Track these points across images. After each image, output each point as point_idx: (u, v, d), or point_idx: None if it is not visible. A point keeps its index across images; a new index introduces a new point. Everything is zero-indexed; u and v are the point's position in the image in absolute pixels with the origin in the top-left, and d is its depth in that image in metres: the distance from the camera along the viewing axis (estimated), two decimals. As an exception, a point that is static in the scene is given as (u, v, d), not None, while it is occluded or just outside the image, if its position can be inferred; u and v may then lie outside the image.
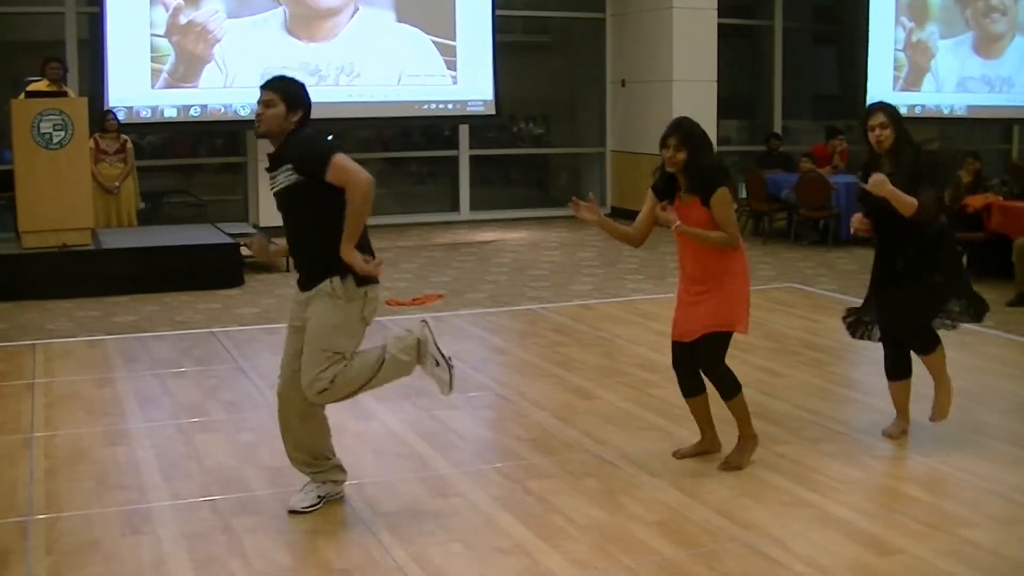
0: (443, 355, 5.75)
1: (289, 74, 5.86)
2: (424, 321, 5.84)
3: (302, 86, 5.75)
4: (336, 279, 5.54)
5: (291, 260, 5.80)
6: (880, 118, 6.66)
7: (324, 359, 5.58)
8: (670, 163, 6.24)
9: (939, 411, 7.02)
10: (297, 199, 5.57)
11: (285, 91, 5.67)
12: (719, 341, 6.35)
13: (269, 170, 5.67)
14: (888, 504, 5.99)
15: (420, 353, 5.76)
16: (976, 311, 6.95)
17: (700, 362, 6.41)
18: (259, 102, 5.66)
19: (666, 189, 6.41)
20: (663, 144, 6.24)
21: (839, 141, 17.24)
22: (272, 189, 5.66)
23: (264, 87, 5.68)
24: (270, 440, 7.01)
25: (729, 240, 6.23)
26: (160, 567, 5.23)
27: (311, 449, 5.87)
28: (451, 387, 5.78)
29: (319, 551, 5.41)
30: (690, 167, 6.23)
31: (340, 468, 5.99)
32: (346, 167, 5.46)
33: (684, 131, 6.25)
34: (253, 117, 5.77)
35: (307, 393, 5.64)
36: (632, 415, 7.54)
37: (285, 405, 5.83)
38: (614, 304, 11.48)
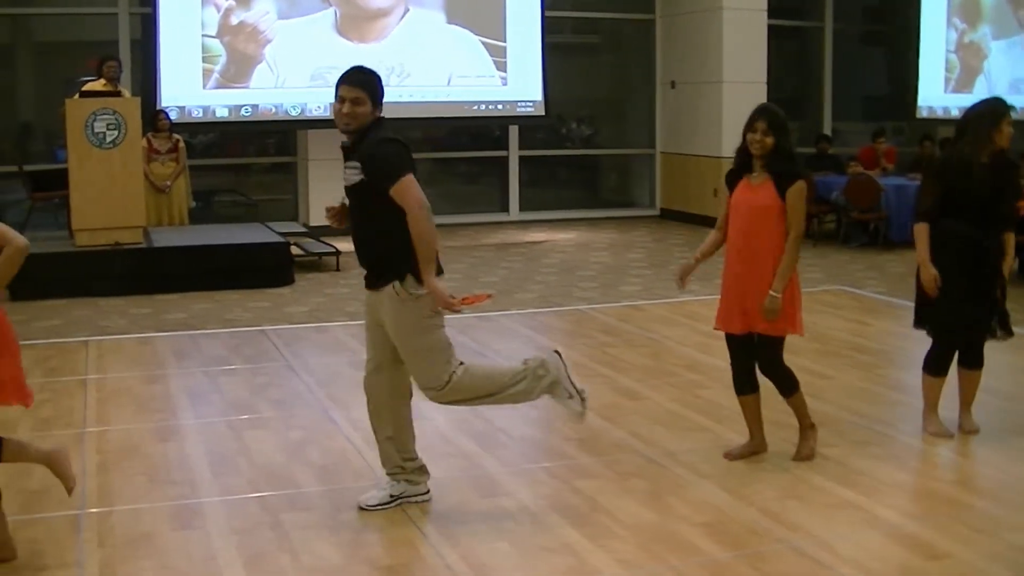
0: (576, 387, 5.82)
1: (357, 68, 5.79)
2: (556, 351, 5.88)
3: (380, 79, 5.73)
4: (398, 283, 5.55)
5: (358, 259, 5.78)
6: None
7: (424, 360, 5.65)
8: (758, 146, 6.23)
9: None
10: (364, 196, 5.57)
11: (372, 89, 5.62)
12: (779, 341, 6.42)
13: (344, 159, 5.65)
14: (935, 507, 5.96)
15: (553, 382, 5.80)
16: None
17: (761, 362, 6.46)
18: (343, 99, 5.57)
19: (738, 172, 6.43)
20: (750, 127, 6.24)
21: (881, 142, 17.16)
22: (344, 182, 5.65)
23: (350, 83, 5.59)
24: (319, 437, 7.07)
25: (797, 249, 6.31)
26: (210, 562, 5.28)
27: (395, 438, 5.89)
28: (583, 419, 5.89)
29: (367, 548, 5.45)
30: (775, 153, 6.27)
31: (422, 470, 6.00)
32: (406, 192, 5.44)
33: (771, 115, 6.29)
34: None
35: (430, 396, 5.73)
36: (679, 416, 7.54)
37: (368, 394, 5.88)
38: (662, 305, 11.47)
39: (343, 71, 5.68)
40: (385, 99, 5.70)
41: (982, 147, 6.69)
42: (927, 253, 6.72)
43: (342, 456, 6.74)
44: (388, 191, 5.43)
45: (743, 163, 6.38)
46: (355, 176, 5.54)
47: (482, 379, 5.74)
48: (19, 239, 5.07)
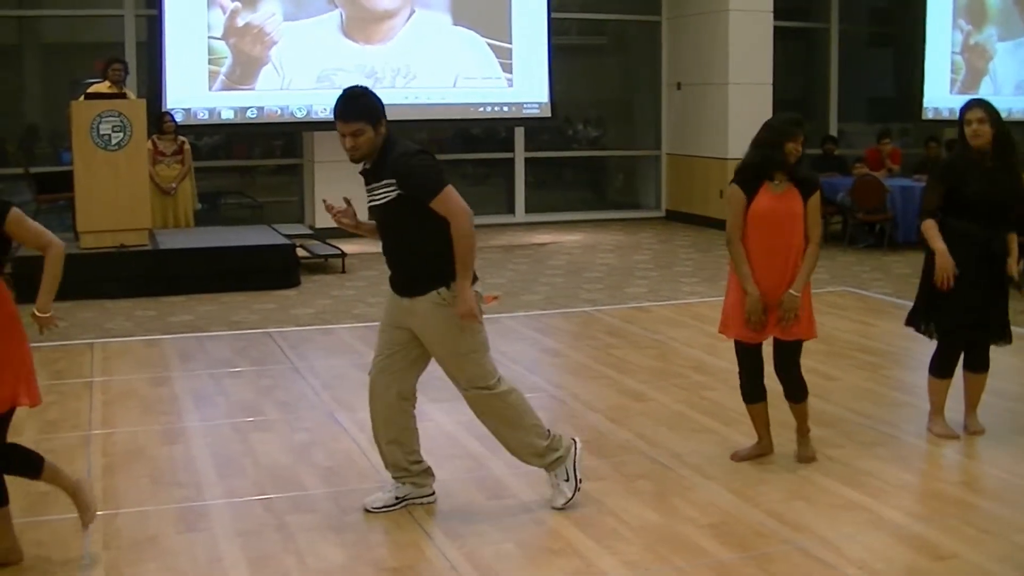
0: (576, 473, 5.88)
1: (348, 81, 5.77)
2: (574, 440, 5.98)
3: (372, 95, 5.61)
4: (443, 289, 5.56)
5: (389, 270, 5.79)
6: (978, 113, 6.74)
7: (472, 360, 5.70)
8: (795, 156, 6.23)
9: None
10: (399, 212, 5.56)
11: (368, 114, 5.52)
12: (800, 344, 6.46)
13: (366, 184, 5.64)
14: (941, 508, 5.95)
15: (559, 459, 5.87)
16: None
17: (784, 363, 6.48)
18: (343, 134, 5.52)
19: (758, 180, 6.38)
20: (792, 138, 6.17)
21: (886, 143, 17.16)
22: (370, 203, 5.63)
23: (344, 119, 5.51)
24: (324, 440, 7.07)
25: (818, 254, 6.38)
26: (215, 564, 5.28)
27: (400, 442, 5.87)
28: (566, 505, 5.88)
29: (372, 550, 5.45)
30: (799, 162, 6.29)
31: (428, 472, 6.00)
32: (450, 202, 5.48)
33: (805, 128, 6.30)
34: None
35: (473, 395, 5.78)
36: (685, 417, 7.54)
37: (374, 394, 5.84)
38: (668, 307, 11.47)
39: (336, 104, 5.60)
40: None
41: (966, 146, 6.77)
42: (943, 243, 6.71)
43: (347, 458, 6.74)
44: (429, 204, 5.46)
45: (765, 171, 6.31)
46: (390, 194, 5.52)
47: (518, 406, 5.83)
48: (58, 241, 5.13)
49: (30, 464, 5.28)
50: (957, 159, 6.88)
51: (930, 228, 6.78)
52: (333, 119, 5.59)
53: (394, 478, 5.93)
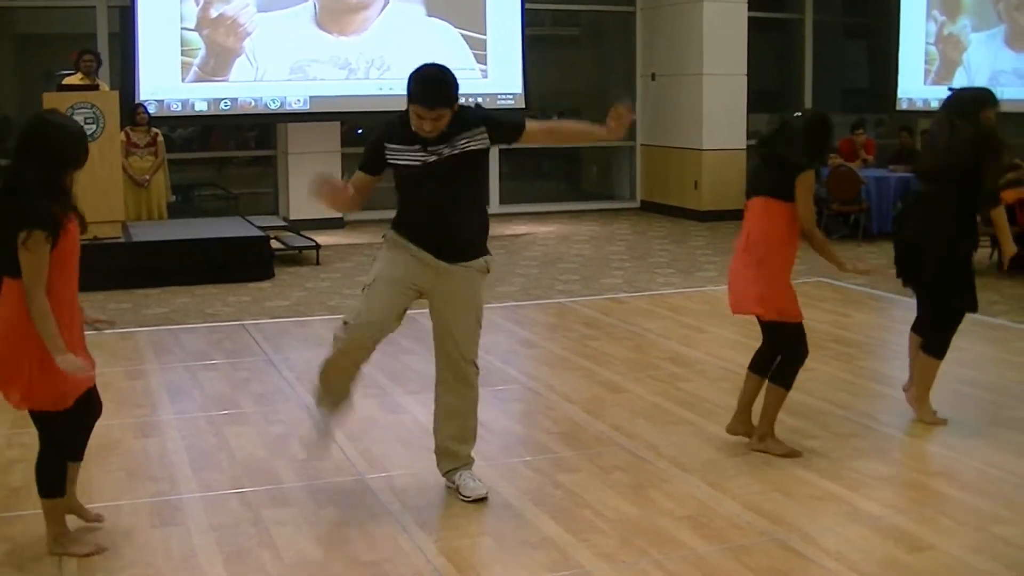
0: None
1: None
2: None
3: (453, 78, 5.54)
4: (489, 257, 5.73)
5: (432, 233, 5.63)
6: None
7: (477, 335, 5.81)
8: None
9: None
10: (472, 168, 5.60)
11: (451, 99, 5.47)
12: (782, 326, 6.53)
13: (434, 144, 5.50)
14: (918, 500, 5.96)
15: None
16: None
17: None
18: (423, 117, 5.43)
19: None
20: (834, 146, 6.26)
21: (860, 134, 17.19)
22: (441, 162, 5.51)
23: (430, 106, 5.42)
24: (300, 432, 7.03)
25: None
26: (190, 559, 5.25)
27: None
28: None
29: (348, 543, 5.42)
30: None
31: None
32: (535, 129, 5.79)
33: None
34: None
35: (465, 366, 5.81)
36: (662, 409, 7.53)
37: (359, 344, 5.72)
38: (644, 298, 11.47)
39: (417, 86, 5.49)
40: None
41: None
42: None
43: (323, 451, 6.71)
44: (524, 125, 5.70)
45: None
46: (482, 142, 5.57)
47: None
48: (39, 302, 4.89)
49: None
50: None
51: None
52: (412, 102, 5.48)
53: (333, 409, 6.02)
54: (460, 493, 5.87)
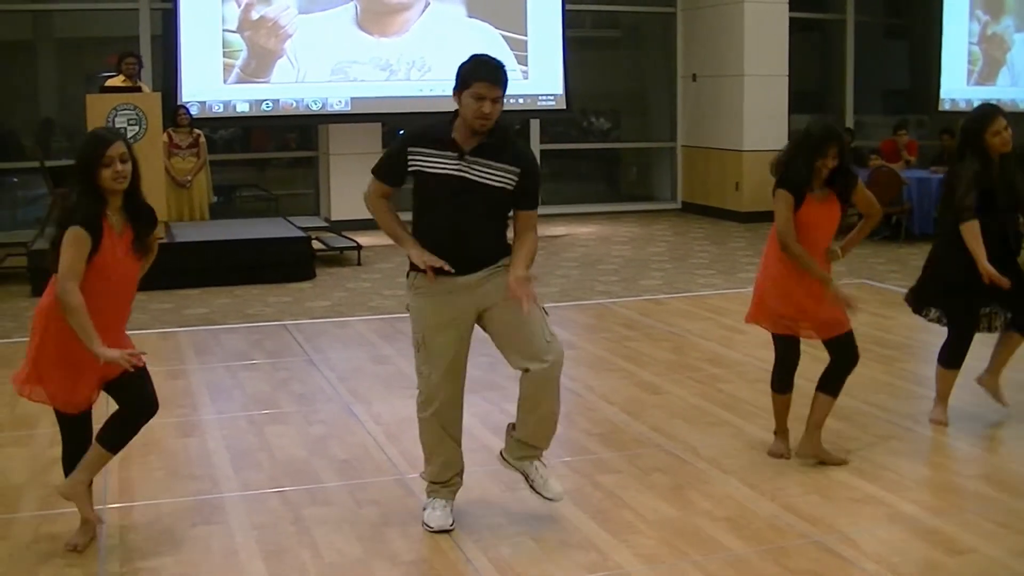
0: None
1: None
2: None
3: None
4: (506, 259, 5.41)
5: (452, 249, 5.36)
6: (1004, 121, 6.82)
7: (545, 320, 5.55)
8: (827, 170, 6.20)
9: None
10: (498, 199, 5.38)
11: (507, 84, 5.48)
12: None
13: (474, 154, 5.38)
14: (958, 502, 5.93)
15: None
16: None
17: (854, 358, 6.52)
18: (484, 97, 5.38)
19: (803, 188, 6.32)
20: (822, 153, 6.11)
21: (902, 135, 17.10)
22: (472, 176, 5.34)
23: (495, 82, 5.40)
24: (340, 433, 7.07)
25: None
26: (230, 557, 5.28)
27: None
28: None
29: (388, 543, 5.44)
30: (835, 171, 6.30)
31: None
32: (526, 221, 5.52)
33: (842, 142, 6.28)
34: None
35: (554, 358, 5.52)
36: (701, 410, 7.52)
37: (453, 402, 5.56)
38: (684, 299, 11.45)
39: (478, 63, 5.46)
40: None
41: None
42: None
43: (363, 451, 6.74)
44: (524, 211, 5.47)
45: (799, 188, 6.25)
46: (509, 183, 5.38)
47: None
48: (71, 296, 5.00)
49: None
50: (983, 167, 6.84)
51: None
52: (476, 79, 5.42)
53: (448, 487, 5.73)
54: (535, 488, 5.63)
